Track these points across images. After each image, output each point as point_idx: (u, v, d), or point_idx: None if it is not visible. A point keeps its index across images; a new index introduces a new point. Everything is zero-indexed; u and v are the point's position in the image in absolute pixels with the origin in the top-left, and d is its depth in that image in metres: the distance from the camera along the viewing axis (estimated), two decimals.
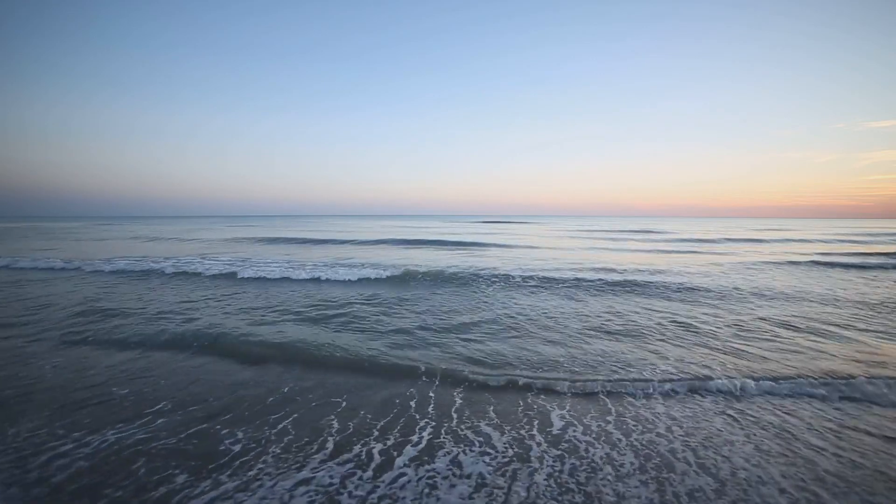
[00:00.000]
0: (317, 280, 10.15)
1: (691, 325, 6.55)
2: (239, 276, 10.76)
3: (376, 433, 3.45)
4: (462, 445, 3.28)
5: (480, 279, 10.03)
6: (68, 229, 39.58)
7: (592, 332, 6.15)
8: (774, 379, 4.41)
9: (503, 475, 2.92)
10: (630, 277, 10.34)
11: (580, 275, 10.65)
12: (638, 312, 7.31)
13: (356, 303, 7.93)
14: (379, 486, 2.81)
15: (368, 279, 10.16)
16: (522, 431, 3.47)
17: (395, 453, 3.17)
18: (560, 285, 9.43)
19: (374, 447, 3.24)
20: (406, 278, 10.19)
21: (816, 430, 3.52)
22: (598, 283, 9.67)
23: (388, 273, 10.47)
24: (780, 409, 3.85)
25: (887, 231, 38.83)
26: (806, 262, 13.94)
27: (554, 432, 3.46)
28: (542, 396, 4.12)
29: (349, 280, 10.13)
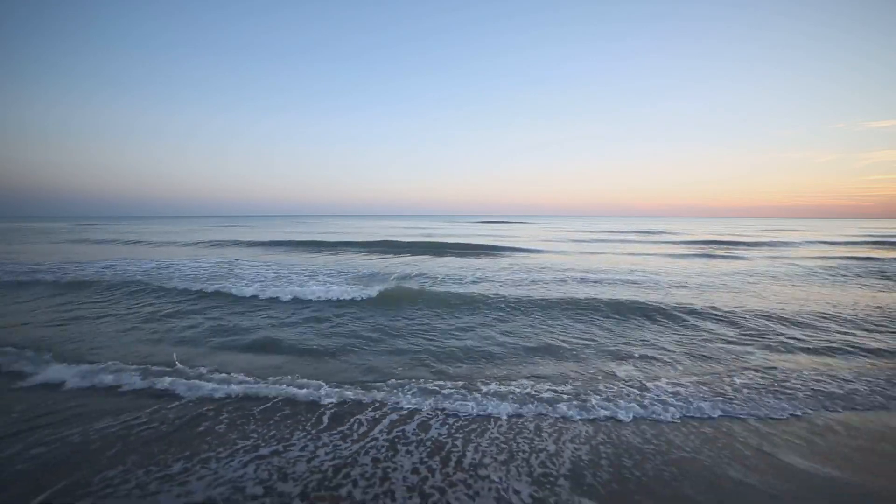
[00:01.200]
0: (277, 301, 8.76)
1: None
2: (180, 289, 9.43)
3: None
4: None
5: (484, 299, 8.61)
6: (45, 230, 37.85)
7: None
8: None
9: None
10: (683, 301, 8.79)
11: (611, 294, 9.41)
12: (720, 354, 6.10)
13: (314, 334, 6.65)
14: None
15: (345, 300, 8.68)
16: None
17: None
18: (581, 309, 8.10)
19: None
20: (394, 298, 8.82)
21: None
22: (646, 306, 8.09)
23: (368, 294, 8.93)
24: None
25: None
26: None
27: None
28: None
29: (319, 300, 8.62)
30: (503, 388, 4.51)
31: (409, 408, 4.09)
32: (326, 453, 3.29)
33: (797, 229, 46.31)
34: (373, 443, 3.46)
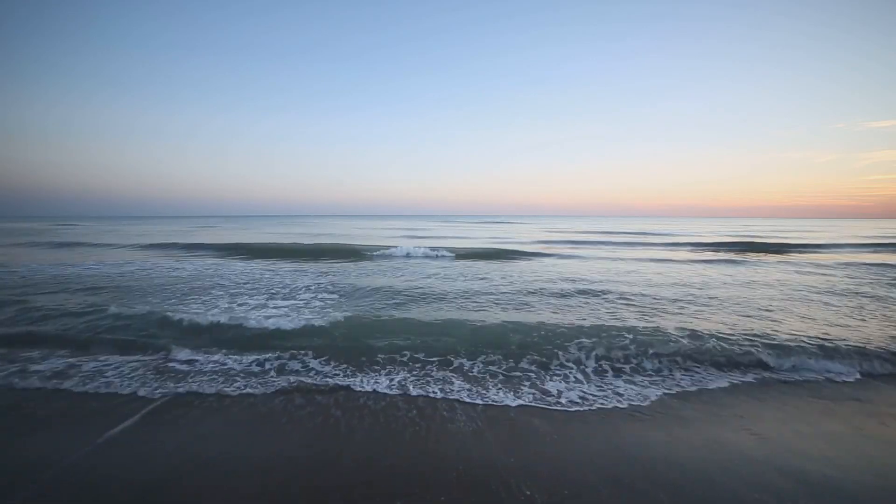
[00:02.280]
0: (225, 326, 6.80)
1: None
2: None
3: None
4: None
5: (477, 325, 6.70)
6: (18, 231, 35.81)
7: None
8: None
9: None
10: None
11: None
12: None
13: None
14: None
15: (287, 330, 6.65)
16: None
17: None
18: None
19: None
20: (353, 327, 6.83)
21: None
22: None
23: (329, 319, 6.98)
24: None
25: None
26: None
27: None
28: None
29: (265, 328, 6.63)
30: None
31: None
32: None
33: (812, 230, 44.25)
34: None
